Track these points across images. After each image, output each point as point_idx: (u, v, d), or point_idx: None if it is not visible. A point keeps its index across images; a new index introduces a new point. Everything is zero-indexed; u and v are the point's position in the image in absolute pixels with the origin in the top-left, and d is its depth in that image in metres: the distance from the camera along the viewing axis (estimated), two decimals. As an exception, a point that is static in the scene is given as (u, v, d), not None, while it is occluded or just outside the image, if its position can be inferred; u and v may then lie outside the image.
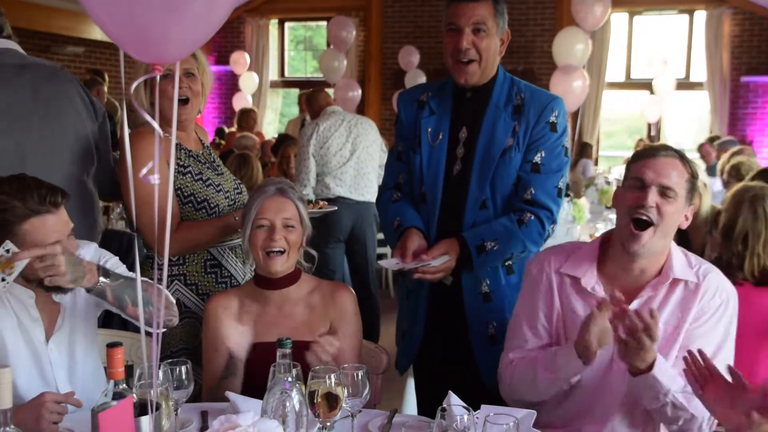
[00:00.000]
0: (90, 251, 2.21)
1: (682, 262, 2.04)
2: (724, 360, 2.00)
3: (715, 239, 2.88)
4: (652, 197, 1.92)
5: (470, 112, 2.48)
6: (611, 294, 1.89)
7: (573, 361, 1.92)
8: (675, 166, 1.95)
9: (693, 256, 2.10)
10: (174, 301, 2.25)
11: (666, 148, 2.00)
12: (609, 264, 2.07)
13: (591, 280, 2.05)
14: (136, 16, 1.22)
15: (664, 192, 1.93)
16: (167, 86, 2.37)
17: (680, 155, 1.99)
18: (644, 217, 1.92)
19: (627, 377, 1.92)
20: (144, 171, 1.34)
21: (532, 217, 2.39)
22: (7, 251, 1.84)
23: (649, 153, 1.99)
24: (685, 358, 1.82)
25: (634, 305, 2.00)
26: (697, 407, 1.87)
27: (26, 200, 1.93)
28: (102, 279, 1.99)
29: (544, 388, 2.01)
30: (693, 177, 1.99)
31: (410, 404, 2.90)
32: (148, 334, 1.48)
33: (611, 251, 2.07)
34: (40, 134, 2.69)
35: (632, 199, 1.95)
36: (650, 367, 1.85)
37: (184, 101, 2.50)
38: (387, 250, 6.45)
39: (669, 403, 1.87)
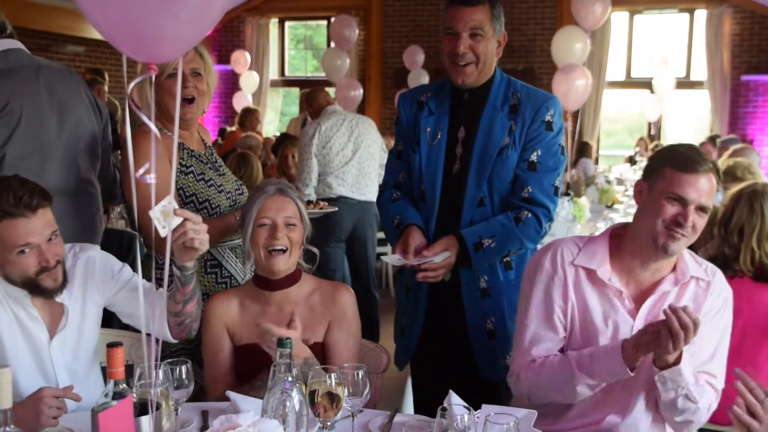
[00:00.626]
0: (97, 256, 2.20)
1: (692, 261, 2.08)
2: (720, 356, 2.04)
3: (715, 239, 2.88)
4: (692, 217, 1.94)
5: (468, 113, 2.51)
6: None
7: (620, 371, 1.91)
8: (712, 184, 1.95)
9: (696, 255, 2.13)
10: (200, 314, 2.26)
11: (704, 159, 1.95)
12: (624, 258, 2.06)
13: (606, 271, 2.05)
14: (130, 15, 1.22)
15: (701, 210, 1.95)
16: (173, 85, 2.40)
17: (714, 167, 1.97)
18: (679, 236, 1.94)
19: (650, 368, 1.94)
20: (141, 171, 1.34)
21: (530, 215, 2.42)
22: (170, 203, 1.88)
23: (690, 167, 1.94)
24: (736, 384, 1.81)
25: (650, 300, 2.03)
26: (704, 400, 1.91)
27: (0, 202, 1.92)
28: (196, 264, 2.05)
29: (581, 392, 2.00)
30: (719, 184, 2.00)
31: (411, 404, 2.90)
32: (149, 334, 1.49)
33: (626, 246, 2.06)
34: (58, 135, 2.73)
35: (671, 214, 1.95)
36: (677, 361, 1.88)
37: (189, 100, 2.51)
38: (387, 249, 6.45)
39: (683, 395, 1.91)
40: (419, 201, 2.56)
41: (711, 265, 2.11)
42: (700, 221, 1.96)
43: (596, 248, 2.09)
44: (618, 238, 2.11)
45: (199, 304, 2.14)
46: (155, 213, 1.81)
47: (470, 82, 2.47)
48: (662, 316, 1.96)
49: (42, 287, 2.01)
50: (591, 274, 2.06)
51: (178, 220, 1.89)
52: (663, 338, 1.82)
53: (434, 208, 2.50)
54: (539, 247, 2.57)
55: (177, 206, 1.92)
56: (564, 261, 2.09)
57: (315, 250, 2.34)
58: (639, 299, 2.05)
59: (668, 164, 1.98)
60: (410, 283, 2.61)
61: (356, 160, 5.11)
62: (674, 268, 2.05)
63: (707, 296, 2.05)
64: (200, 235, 1.95)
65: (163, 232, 1.85)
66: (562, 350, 2.11)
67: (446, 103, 2.54)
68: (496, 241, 2.40)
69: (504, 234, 2.41)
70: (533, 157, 2.44)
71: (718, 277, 2.09)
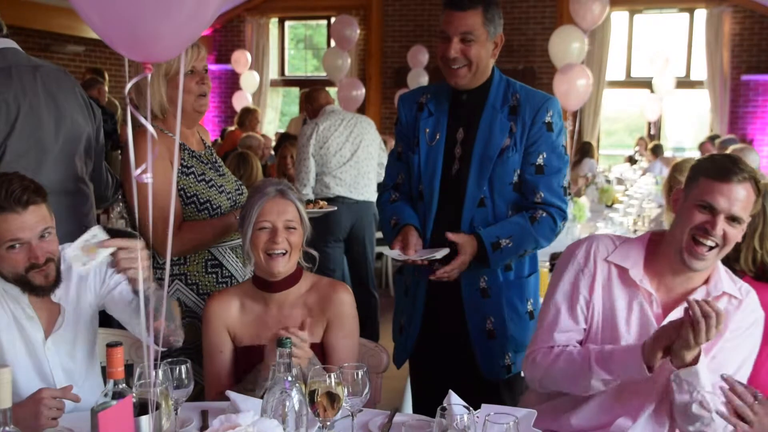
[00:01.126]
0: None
1: (727, 278, 2.05)
2: (742, 376, 2.01)
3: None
4: (721, 225, 1.90)
5: (467, 114, 2.53)
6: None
7: (637, 369, 1.88)
8: (747, 193, 1.91)
9: (732, 274, 2.10)
10: (180, 324, 2.26)
11: (740, 169, 1.91)
12: (658, 262, 2.05)
13: (638, 272, 2.03)
14: (125, 15, 1.22)
15: (733, 220, 1.91)
16: (188, 82, 2.48)
17: (752, 176, 1.93)
18: (709, 242, 1.92)
19: (667, 369, 1.91)
20: (138, 171, 1.34)
21: (544, 215, 2.46)
22: (94, 236, 1.84)
23: (722, 175, 1.91)
24: (723, 387, 1.83)
25: (678, 310, 1.99)
26: (718, 411, 1.88)
27: None
28: (153, 285, 1.99)
29: (594, 386, 1.98)
30: (757, 195, 1.94)
31: (410, 403, 2.90)
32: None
33: (662, 250, 2.05)
34: (55, 135, 2.75)
35: (699, 221, 1.92)
36: (695, 361, 1.86)
37: (204, 95, 2.57)
38: (387, 248, 6.45)
39: (697, 401, 1.88)
40: (418, 201, 2.58)
41: (746, 285, 2.08)
42: (732, 231, 1.92)
43: (632, 249, 2.08)
44: (655, 243, 2.09)
45: (170, 320, 2.09)
46: (72, 251, 1.75)
47: (464, 84, 2.49)
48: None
49: (33, 284, 2.01)
50: (623, 273, 2.05)
51: (105, 252, 1.83)
52: (684, 328, 1.80)
53: (432, 208, 2.52)
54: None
55: (106, 236, 1.87)
56: (597, 255, 2.09)
57: (315, 253, 2.33)
58: (667, 306, 2.03)
59: (703, 173, 1.96)
60: (409, 282, 2.63)
61: (354, 160, 5.11)
62: (707, 280, 2.03)
63: (737, 314, 2.01)
64: (136, 263, 1.87)
65: (83, 270, 1.81)
66: (580, 343, 2.09)
67: (445, 105, 2.56)
68: (513, 240, 2.43)
69: (520, 234, 2.44)
70: (540, 161, 2.47)
71: (752, 297, 2.05)
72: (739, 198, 1.90)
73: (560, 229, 2.52)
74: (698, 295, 2.00)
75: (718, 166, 1.94)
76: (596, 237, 2.16)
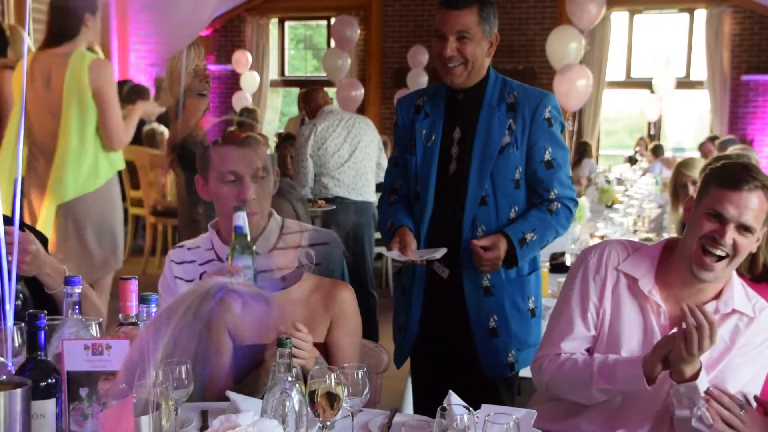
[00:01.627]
0: None
1: (741, 294, 2.00)
2: (751, 393, 1.97)
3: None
4: (730, 234, 1.86)
5: (463, 113, 2.55)
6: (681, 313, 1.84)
7: (637, 380, 1.86)
8: (760, 202, 1.87)
9: (750, 289, 2.05)
10: None
11: (752, 177, 1.87)
12: (669, 273, 2.01)
13: (648, 283, 1.99)
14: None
15: (743, 229, 1.87)
16: (194, 82, 2.58)
17: (765, 184, 1.88)
18: (719, 252, 1.88)
19: (668, 382, 1.89)
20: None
21: (560, 206, 2.53)
22: None
23: (733, 183, 1.86)
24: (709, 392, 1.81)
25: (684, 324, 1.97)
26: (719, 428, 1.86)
27: None
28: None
29: (596, 396, 1.96)
30: None
31: (411, 404, 2.90)
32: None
33: (674, 260, 2.00)
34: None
35: (708, 230, 1.89)
36: (695, 376, 1.82)
37: (204, 95, 2.58)
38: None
39: (697, 416, 1.84)
40: (415, 202, 2.60)
41: (762, 301, 2.02)
42: (743, 241, 1.87)
43: (645, 257, 2.04)
44: (670, 251, 2.04)
45: None
46: None
47: (460, 83, 2.51)
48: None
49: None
50: (632, 283, 2.02)
51: None
52: (678, 338, 1.78)
53: (428, 208, 2.54)
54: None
55: None
56: (609, 263, 2.06)
57: (312, 252, 2.33)
58: (675, 319, 1.97)
59: (713, 181, 1.93)
60: (406, 282, 2.65)
61: (353, 161, 5.10)
62: (719, 295, 1.98)
63: (747, 332, 1.96)
64: None
65: None
66: (588, 350, 2.07)
67: (441, 106, 2.59)
68: (537, 234, 2.48)
69: (542, 226, 2.49)
70: (547, 156, 2.51)
71: (766, 314, 2.00)
72: (749, 206, 1.85)
73: (574, 215, 2.60)
74: (707, 309, 1.94)
75: (728, 174, 1.91)
76: (610, 243, 2.13)
